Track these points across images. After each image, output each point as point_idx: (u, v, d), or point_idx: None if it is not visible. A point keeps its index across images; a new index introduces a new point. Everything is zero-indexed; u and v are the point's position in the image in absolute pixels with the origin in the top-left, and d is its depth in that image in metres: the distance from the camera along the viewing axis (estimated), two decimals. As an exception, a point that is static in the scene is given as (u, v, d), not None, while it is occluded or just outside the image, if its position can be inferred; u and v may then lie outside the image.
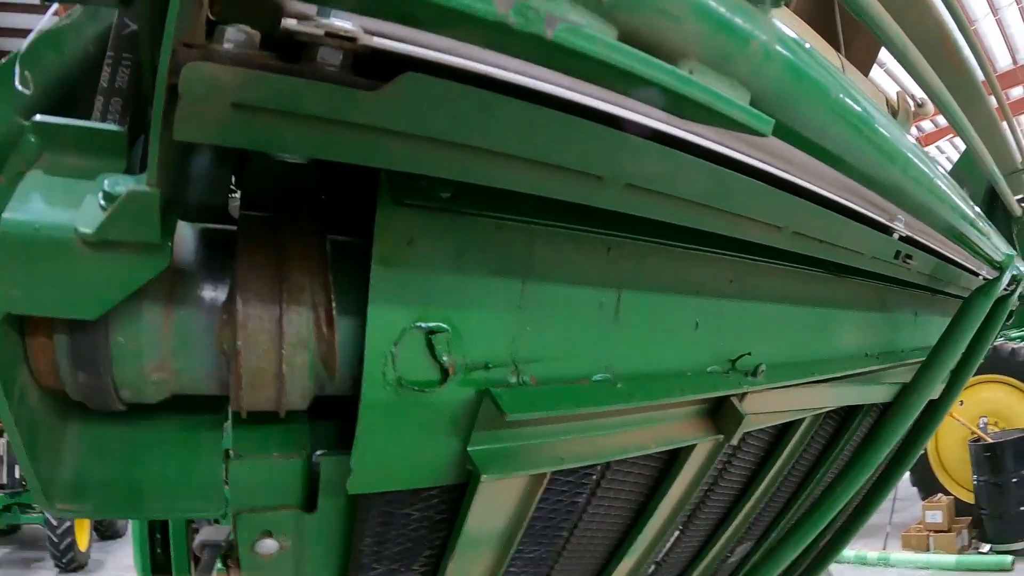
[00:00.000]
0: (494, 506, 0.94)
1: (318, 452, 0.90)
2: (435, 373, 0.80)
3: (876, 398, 1.33)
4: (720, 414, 1.06)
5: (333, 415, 0.96)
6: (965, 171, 1.52)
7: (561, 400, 0.85)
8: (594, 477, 1.06)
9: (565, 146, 0.67)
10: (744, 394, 1.06)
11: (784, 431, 1.27)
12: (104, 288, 0.66)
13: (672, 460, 1.13)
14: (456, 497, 0.95)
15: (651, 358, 0.98)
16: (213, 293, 0.76)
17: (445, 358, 0.79)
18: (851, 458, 1.37)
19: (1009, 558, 7.13)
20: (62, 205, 0.66)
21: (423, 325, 0.77)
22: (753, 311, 1.09)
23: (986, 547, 7.65)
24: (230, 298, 0.75)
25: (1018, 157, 1.55)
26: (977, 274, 1.32)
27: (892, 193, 1.06)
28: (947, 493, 8.19)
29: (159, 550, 2.27)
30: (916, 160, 1.04)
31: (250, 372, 0.74)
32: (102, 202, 0.64)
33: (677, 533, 1.29)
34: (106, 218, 0.62)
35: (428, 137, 0.62)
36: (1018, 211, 1.67)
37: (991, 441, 7.53)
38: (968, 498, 8.04)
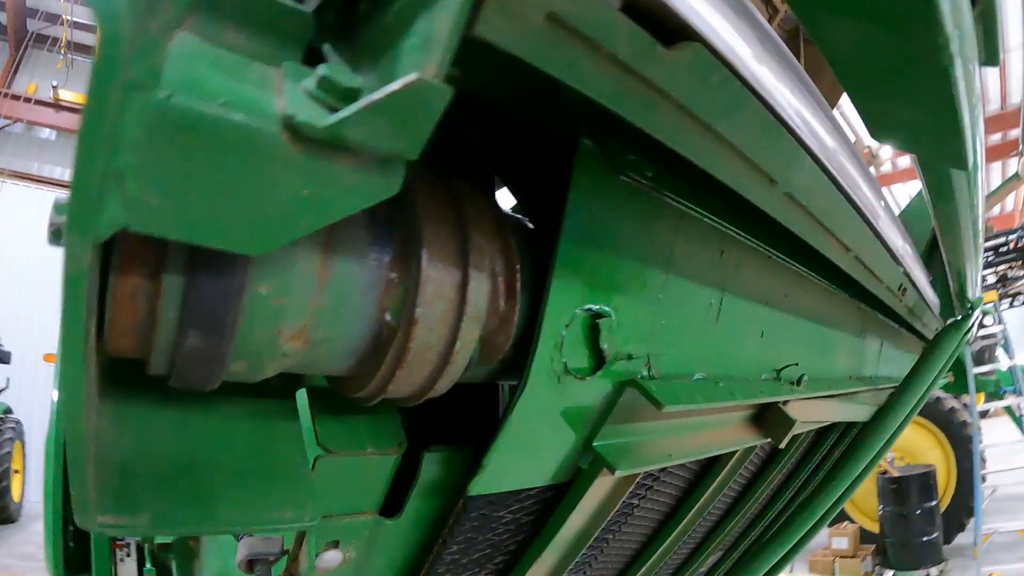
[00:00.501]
0: (588, 508, 0.89)
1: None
2: (590, 361, 0.74)
3: (860, 416, 1.45)
4: (767, 419, 1.09)
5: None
6: (912, 217, 1.71)
7: (697, 394, 0.82)
8: (652, 477, 1.04)
9: (766, 146, 0.67)
10: (787, 402, 1.11)
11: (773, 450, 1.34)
12: (299, 211, 0.45)
13: (710, 465, 1.14)
14: (551, 497, 0.88)
15: (732, 362, 0.98)
16: (380, 247, 0.61)
17: (605, 346, 0.73)
18: (828, 474, 1.48)
19: None
20: (247, 86, 0.44)
21: (592, 308, 0.71)
22: (796, 325, 1.15)
23: (889, 573, 8.06)
24: (404, 254, 0.62)
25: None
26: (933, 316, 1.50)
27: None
28: (852, 521, 8.69)
29: (71, 543, 1.83)
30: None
31: (418, 347, 0.62)
32: (317, 92, 0.45)
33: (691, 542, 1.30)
34: (360, 110, 0.41)
35: (683, 108, 0.58)
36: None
37: (898, 475, 7.98)
38: (872, 527, 8.59)
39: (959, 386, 7.88)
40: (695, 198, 0.77)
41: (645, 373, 0.81)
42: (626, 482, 0.89)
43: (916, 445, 8.53)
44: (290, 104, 0.44)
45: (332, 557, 0.81)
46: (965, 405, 8.68)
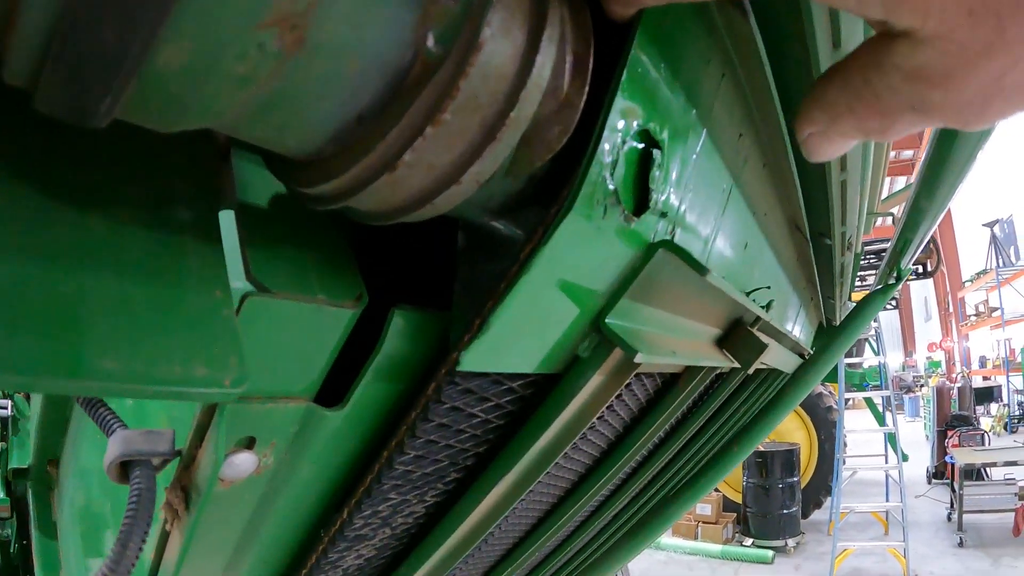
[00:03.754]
0: (569, 412, 0.68)
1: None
2: (634, 201, 0.53)
3: (788, 367, 1.35)
4: (734, 341, 0.94)
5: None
6: None
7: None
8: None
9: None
10: (755, 324, 0.97)
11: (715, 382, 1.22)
12: None
13: (664, 391, 0.97)
14: (531, 394, 0.65)
15: (724, 263, 0.82)
16: None
17: (653, 186, 0.53)
18: (748, 424, 1.37)
19: (770, 552, 7.78)
20: None
21: (650, 130, 0.51)
22: (765, 250, 1.01)
23: (749, 541, 8.25)
24: None
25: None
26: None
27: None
28: (716, 489, 8.65)
29: None
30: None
31: (468, 96, 0.36)
32: None
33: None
34: None
35: None
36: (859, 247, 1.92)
37: (763, 450, 8.09)
38: (735, 496, 8.69)
39: (829, 375, 8.52)
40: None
41: (668, 238, 0.62)
42: (613, 384, 0.69)
43: (783, 424, 8.70)
44: None
45: (243, 462, 0.54)
46: (830, 392, 9.34)
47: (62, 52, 0.27)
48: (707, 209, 0.70)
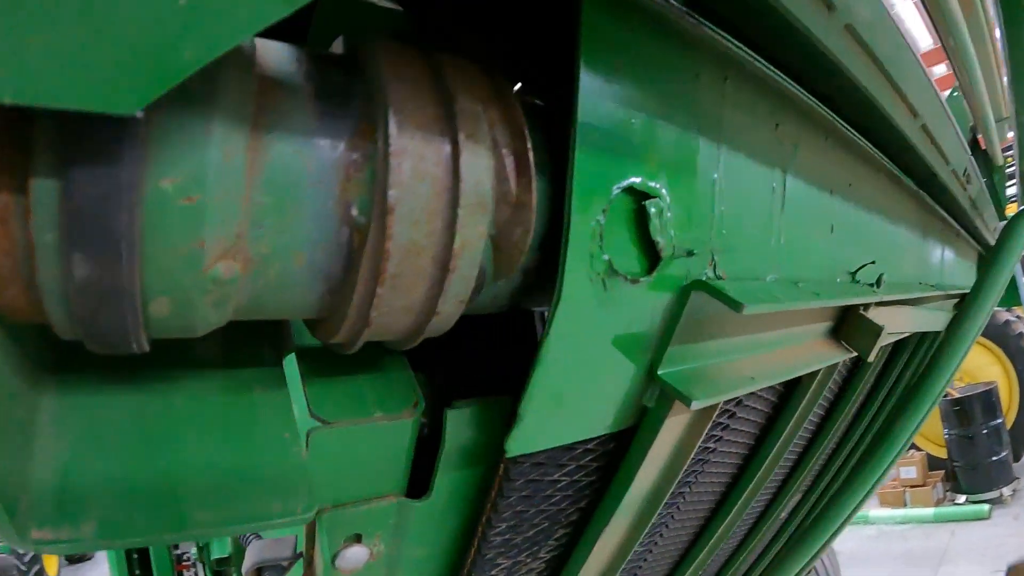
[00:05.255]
0: (659, 457, 0.64)
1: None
2: (641, 258, 0.50)
3: (937, 326, 1.17)
4: (849, 329, 0.83)
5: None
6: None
7: (775, 295, 0.57)
8: (729, 413, 0.79)
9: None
10: (868, 306, 0.84)
11: (853, 365, 1.08)
12: (177, 33, 0.25)
13: (789, 393, 0.88)
14: (613, 449, 0.63)
15: (805, 261, 0.73)
16: (333, 122, 0.38)
17: (659, 236, 0.49)
18: (908, 393, 1.19)
19: (985, 507, 6.80)
20: None
21: (635, 183, 0.47)
22: (863, 220, 0.88)
23: (962, 498, 7.25)
24: (368, 125, 0.38)
25: (1003, 107, 1.48)
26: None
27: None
28: (918, 449, 7.68)
29: (138, 571, 1.65)
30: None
31: (401, 249, 0.39)
32: None
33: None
34: None
35: None
36: (1000, 160, 1.61)
37: (959, 396, 7.06)
38: (939, 452, 7.62)
39: (1010, 299, 6.81)
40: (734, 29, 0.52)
41: (711, 273, 0.57)
42: (703, 419, 0.65)
43: (973, 363, 7.49)
44: None
45: (356, 554, 0.58)
46: (1019, 317, 7.77)
47: (88, 331, 0.33)
48: (756, 217, 0.63)
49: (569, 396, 0.52)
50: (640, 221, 0.48)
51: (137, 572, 1.71)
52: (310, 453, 0.52)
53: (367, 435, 0.54)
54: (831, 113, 0.69)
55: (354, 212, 0.39)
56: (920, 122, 0.76)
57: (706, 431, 0.67)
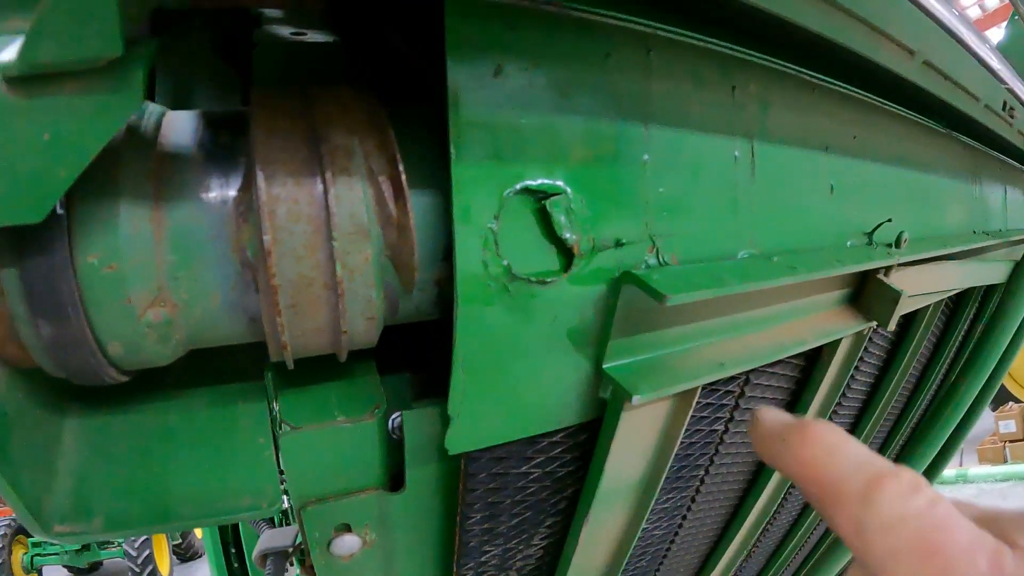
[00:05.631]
0: (634, 443, 0.63)
1: (396, 413, 0.59)
2: (554, 257, 0.49)
3: (995, 278, 1.04)
4: (867, 297, 0.75)
5: (403, 361, 0.65)
6: (1010, 50, 1.24)
7: (723, 277, 0.54)
8: (735, 393, 0.75)
9: None
10: (889, 271, 0.76)
11: (906, 323, 0.98)
12: (47, 159, 0.34)
13: (811, 364, 0.82)
14: (586, 440, 0.63)
15: (793, 229, 0.67)
16: (222, 181, 0.44)
17: (567, 233, 0.48)
18: (972, 351, 1.07)
19: None
20: None
21: (531, 185, 0.47)
22: (877, 174, 0.79)
23: None
24: (247, 180, 0.44)
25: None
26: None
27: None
28: (1017, 401, 7.13)
29: (236, 564, 1.90)
30: None
31: (288, 285, 0.42)
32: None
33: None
34: (33, 26, 0.31)
35: None
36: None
37: None
38: None
39: None
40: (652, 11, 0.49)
41: (654, 261, 0.55)
42: (683, 403, 0.62)
43: None
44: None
45: (348, 541, 0.64)
46: None
47: (68, 372, 0.44)
48: (714, 192, 0.59)
49: (500, 396, 0.53)
50: (543, 220, 0.47)
51: (235, 565, 1.94)
52: (283, 455, 0.57)
53: (332, 437, 0.58)
54: (795, 68, 0.62)
55: (248, 254, 0.43)
56: (920, 59, 0.66)
57: (702, 414, 0.64)
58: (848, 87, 0.69)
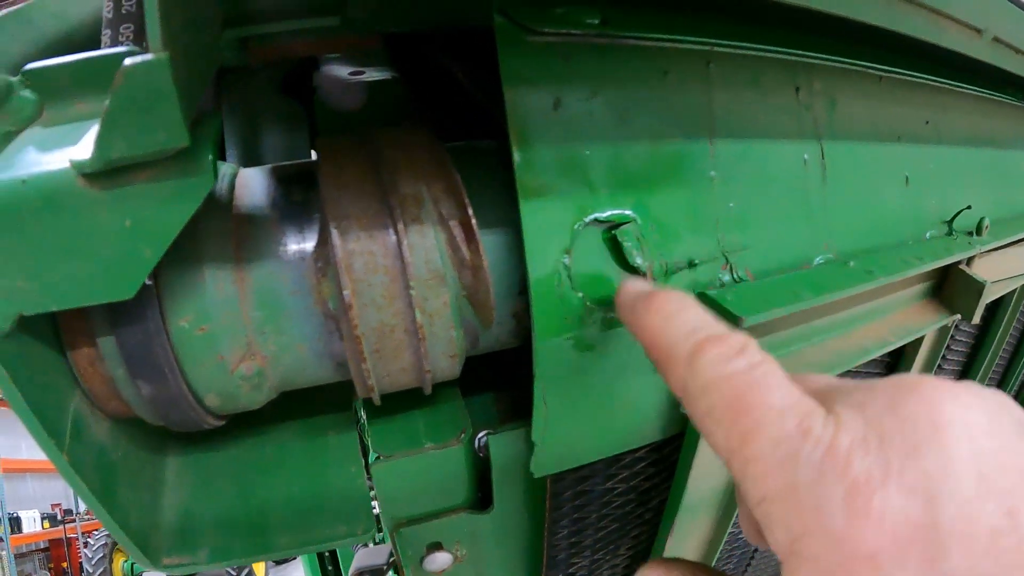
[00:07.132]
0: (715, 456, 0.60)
1: (482, 434, 0.58)
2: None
3: None
4: (949, 289, 0.70)
5: (486, 383, 0.65)
6: None
7: (797, 290, 0.51)
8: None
9: None
10: (971, 261, 0.70)
11: (992, 309, 0.90)
12: (131, 242, 0.35)
13: (896, 361, 0.77)
14: (669, 452, 0.61)
15: (869, 227, 0.63)
16: (298, 237, 0.44)
17: (638, 259, 0.46)
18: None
19: None
20: (59, 148, 0.36)
21: (600, 217, 0.45)
22: (954, 158, 0.73)
23: None
24: (322, 236, 0.44)
25: None
26: None
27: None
28: None
29: (330, 567, 1.96)
30: None
31: (371, 333, 0.42)
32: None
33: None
34: (102, 128, 0.32)
35: None
36: None
37: None
38: None
39: None
40: (694, 28, 0.46)
41: (728, 278, 0.52)
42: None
43: None
44: (79, 149, 0.35)
45: (441, 559, 0.64)
46: None
47: (168, 423, 0.46)
48: (785, 199, 0.56)
49: (582, 421, 0.51)
50: (615, 249, 0.46)
51: (329, 568, 1.99)
52: (376, 482, 0.58)
53: (421, 463, 0.59)
54: (857, 64, 0.57)
55: (330, 306, 0.43)
56: (989, 36, 0.60)
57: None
58: (916, 75, 0.64)
